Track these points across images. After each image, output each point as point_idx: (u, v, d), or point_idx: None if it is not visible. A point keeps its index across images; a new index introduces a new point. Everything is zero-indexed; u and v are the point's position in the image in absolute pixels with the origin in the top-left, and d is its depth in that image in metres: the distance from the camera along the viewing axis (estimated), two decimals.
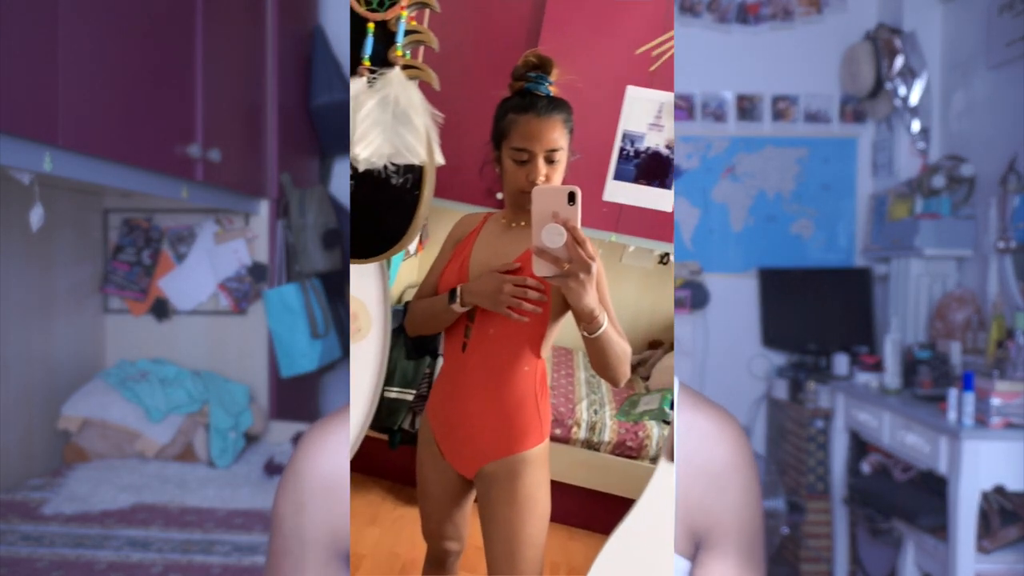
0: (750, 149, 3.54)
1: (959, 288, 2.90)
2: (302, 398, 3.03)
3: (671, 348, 3.34)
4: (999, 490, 2.21)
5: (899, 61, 3.10)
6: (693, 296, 3.45)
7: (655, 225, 2.41)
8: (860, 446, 2.91)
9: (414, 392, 2.55)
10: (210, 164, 2.26)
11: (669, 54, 1.02)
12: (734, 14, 3.47)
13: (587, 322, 1.09)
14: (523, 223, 1.25)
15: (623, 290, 3.49)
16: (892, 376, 2.69)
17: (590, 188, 2.53)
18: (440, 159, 1.45)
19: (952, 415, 2.24)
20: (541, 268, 1.02)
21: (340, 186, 3.29)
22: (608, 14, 2.36)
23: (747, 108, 3.51)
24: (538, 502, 1.28)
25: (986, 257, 2.76)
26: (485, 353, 1.24)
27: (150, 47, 2.01)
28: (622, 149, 2.35)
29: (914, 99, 3.12)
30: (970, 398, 2.20)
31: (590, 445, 2.60)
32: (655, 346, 3.47)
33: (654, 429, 2.59)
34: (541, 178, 1.18)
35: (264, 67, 2.72)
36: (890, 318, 3.03)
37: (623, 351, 1.15)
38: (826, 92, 3.48)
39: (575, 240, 1.00)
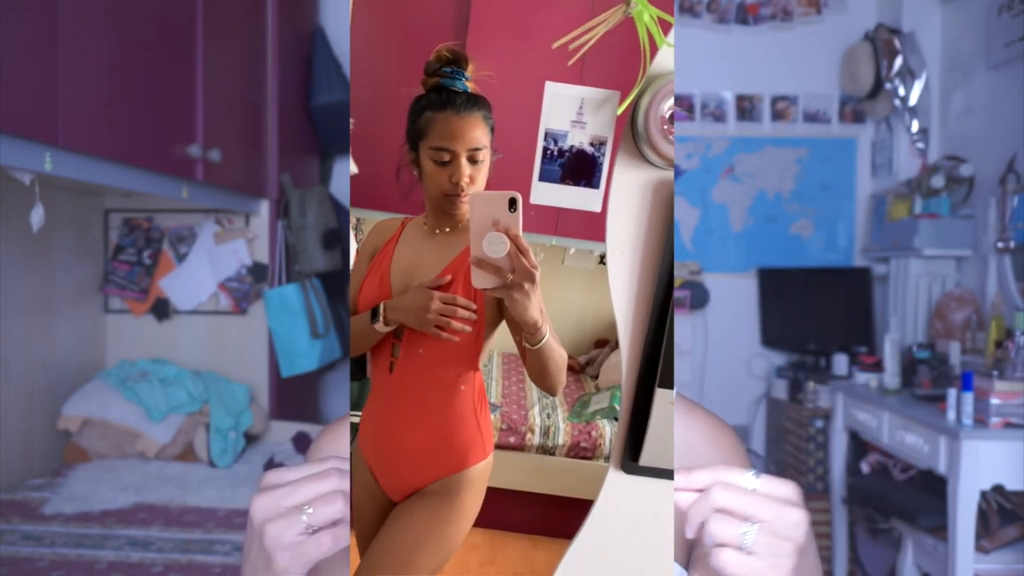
0: (750, 149, 3.55)
1: (958, 288, 2.90)
2: (302, 398, 3.03)
3: (617, 346, 3.34)
4: (998, 490, 2.21)
5: (898, 61, 3.10)
6: (693, 296, 3.45)
7: (598, 227, 2.43)
8: (859, 446, 2.91)
9: (360, 414, 2.55)
10: (210, 164, 2.26)
11: (588, 47, 0.95)
12: (734, 14, 3.47)
13: (531, 333, 1.04)
14: (447, 229, 1.17)
15: (567, 292, 3.50)
16: (891, 376, 2.69)
17: (516, 191, 2.51)
18: (352, 168, 1.40)
19: (951, 415, 2.24)
20: (480, 280, 0.95)
21: (340, 186, 3.29)
22: (531, 9, 2.20)
23: (747, 108, 3.51)
24: (459, 528, 1.20)
25: (985, 257, 2.76)
26: (416, 373, 1.15)
27: (150, 47, 2.02)
28: (546, 148, 2.31)
29: (913, 99, 3.12)
30: (969, 398, 2.21)
31: (545, 450, 2.59)
32: (601, 345, 3.49)
33: (606, 427, 2.59)
34: (465, 179, 1.11)
35: (264, 67, 2.73)
36: (889, 318, 3.03)
37: (562, 359, 1.11)
38: (826, 92, 3.48)
39: (518, 249, 0.94)
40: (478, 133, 1.12)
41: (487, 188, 1.13)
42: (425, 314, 1.08)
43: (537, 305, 1.00)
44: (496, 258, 0.94)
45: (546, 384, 1.11)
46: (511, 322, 1.09)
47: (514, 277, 0.95)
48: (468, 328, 1.09)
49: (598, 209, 2.36)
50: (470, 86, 1.15)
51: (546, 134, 2.31)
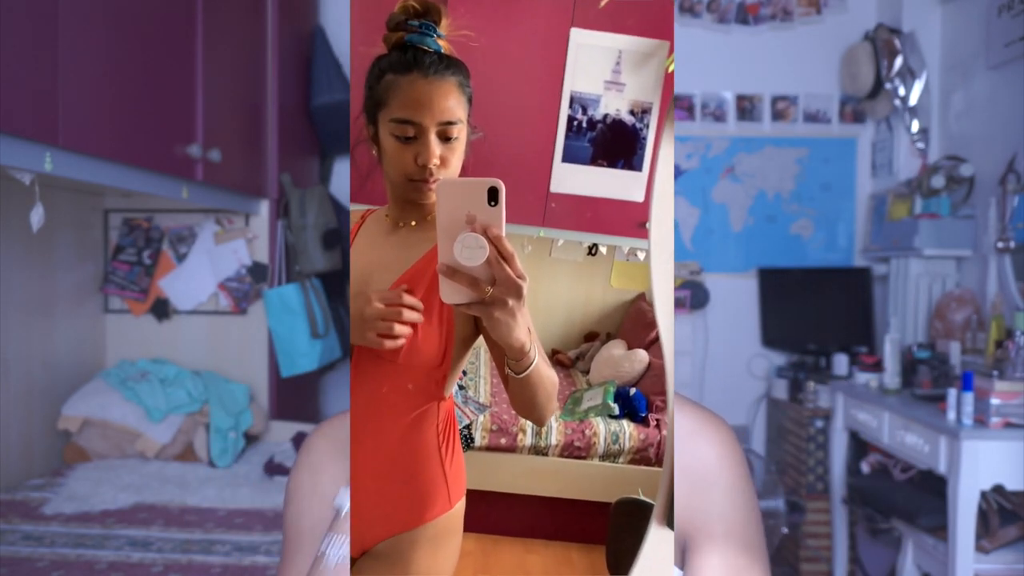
0: (750, 149, 3.55)
1: (958, 288, 2.90)
2: (302, 398, 3.03)
3: (608, 339, 3.31)
4: (998, 490, 2.21)
5: (898, 61, 3.10)
6: (693, 296, 3.45)
7: (588, 214, 1.89)
8: (860, 446, 2.91)
9: None
10: (210, 164, 2.26)
11: None
12: (734, 14, 3.47)
13: (515, 359, 0.83)
14: (413, 222, 0.96)
15: (555, 285, 3.44)
16: (891, 376, 2.69)
17: (530, 176, 1.83)
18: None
19: (951, 415, 2.24)
20: (451, 293, 0.75)
21: (340, 186, 3.29)
22: None
23: (747, 108, 3.51)
24: None
25: (985, 257, 2.76)
26: (369, 401, 0.94)
27: (150, 47, 2.01)
28: (571, 119, 1.70)
29: (913, 99, 3.12)
30: (969, 398, 2.21)
31: (537, 451, 2.49)
32: (591, 338, 3.44)
33: (600, 425, 2.52)
34: (434, 160, 0.89)
35: (264, 67, 2.73)
36: (889, 318, 3.03)
37: (553, 384, 0.90)
38: (826, 92, 3.48)
39: (500, 255, 0.72)
40: (451, 103, 0.90)
41: (469, 175, 0.87)
42: (363, 324, 0.85)
43: (524, 325, 0.79)
44: (471, 266, 0.73)
45: (533, 415, 0.91)
46: (491, 343, 0.88)
47: (494, 291, 0.74)
48: (408, 330, 0.87)
49: (640, 198, 1.73)
50: (443, 46, 0.93)
51: (572, 99, 1.69)
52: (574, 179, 1.72)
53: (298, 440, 2.55)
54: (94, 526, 1.96)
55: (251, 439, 2.65)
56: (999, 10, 2.74)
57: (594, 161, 1.73)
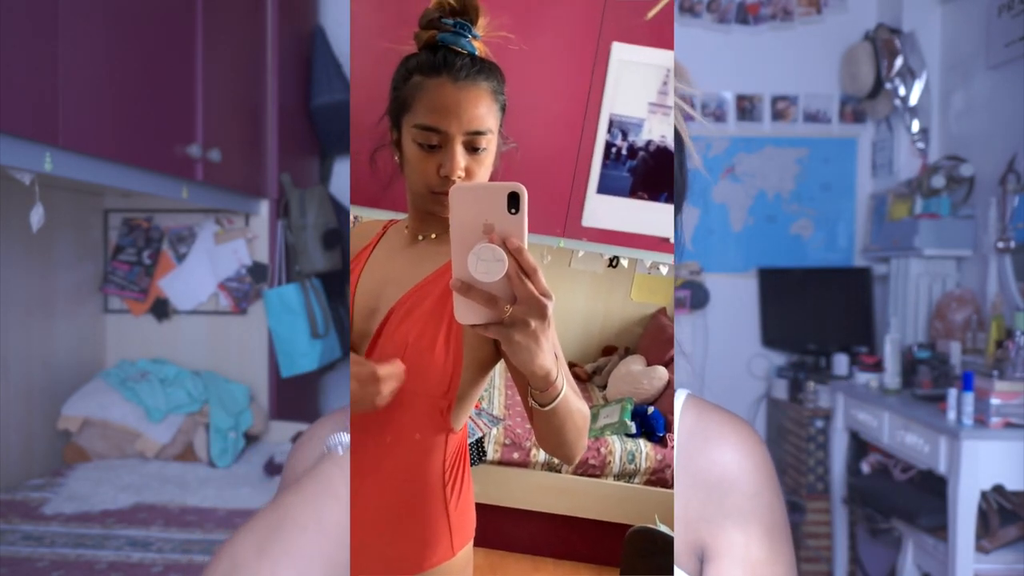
0: (750, 149, 3.55)
1: (959, 288, 2.90)
2: (302, 398, 3.03)
3: (626, 353, 3.27)
4: (998, 490, 2.21)
5: (899, 61, 3.10)
6: (693, 296, 3.45)
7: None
8: (860, 446, 2.91)
9: None
10: (210, 164, 2.26)
11: None
12: (734, 14, 3.47)
13: (540, 389, 0.72)
14: (433, 235, 0.88)
15: (574, 296, 3.39)
16: (892, 376, 2.68)
17: (561, 205, 1.69)
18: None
19: (951, 415, 2.24)
20: (466, 312, 0.65)
21: (340, 186, 3.29)
22: None
23: (747, 108, 3.51)
24: None
25: (986, 257, 2.76)
26: (370, 431, 0.84)
27: (150, 47, 2.01)
28: (609, 145, 1.53)
29: (914, 99, 3.12)
30: (969, 398, 2.20)
31: (550, 467, 2.43)
32: (609, 352, 3.40)
33: (616, 444, 2.46)
34: (459, 172, 0.81)
35: (264, 67, 2.73)
36: (890, 318, 3.03)
37: (583, 419, 0.79)
38: (826, 92, 3.48)
39: (521, 269, 0.63)
40: (482, 111, 0.82)
41: None
42: (362, 391, 0.77)
43: (549, 350, 0.68)
44: (488, 281, 0.64)
45: (561, 452, 0.80)
46: (513, 370, 0.78)
47: (514, 310, 0.65)
48: (386, 399, 0.78)
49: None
50: (478, 48, 0.85)
51: (611, 123, 1.51)
52: (610, 212, 1.53)
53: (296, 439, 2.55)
54: (94, 526, 1.95)
55: (251, 439, 2.65)
56: (999, 10, 2.74)
57: (633, 193, 1.56)
